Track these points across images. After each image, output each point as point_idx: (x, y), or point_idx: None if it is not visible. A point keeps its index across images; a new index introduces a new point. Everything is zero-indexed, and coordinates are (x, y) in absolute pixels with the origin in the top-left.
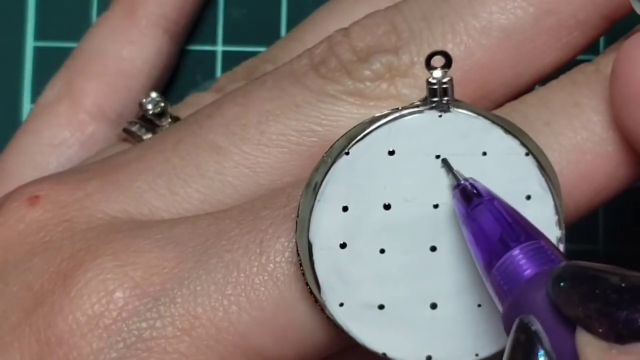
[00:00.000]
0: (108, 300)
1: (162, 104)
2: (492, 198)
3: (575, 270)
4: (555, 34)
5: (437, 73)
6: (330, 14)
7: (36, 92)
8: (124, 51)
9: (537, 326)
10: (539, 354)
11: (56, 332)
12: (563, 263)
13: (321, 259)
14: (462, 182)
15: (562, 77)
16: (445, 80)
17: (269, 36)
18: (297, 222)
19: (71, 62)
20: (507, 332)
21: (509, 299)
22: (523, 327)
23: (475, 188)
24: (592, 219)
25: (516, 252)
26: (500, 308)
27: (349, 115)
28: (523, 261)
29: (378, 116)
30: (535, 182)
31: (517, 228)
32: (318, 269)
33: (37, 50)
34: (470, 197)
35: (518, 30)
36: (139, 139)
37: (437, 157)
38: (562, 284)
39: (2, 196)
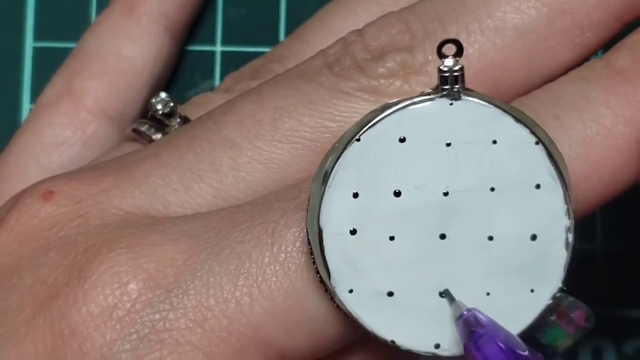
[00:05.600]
0: (122, 292)
1: (172, 104)
2: (495, 329)
3: None
4: (569, 35)
5: (449, 61)
6: (335, 13)
7: (35, 92)
8: (124, 49)
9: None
10: None
11: (70, 324)
12: None
13: (331, 245)
14: (465, 312)
15: (572, 73)
16: (456, 68)
17: (268, 36)
18: (307, 209)
19: (71, 61)
20: None
21: None
22: None
23: (477, 319)
24: (589, 218)
25: None
26: None
27: (362, 111)
28: None
29: (389, 103)
30: (544, 171)
31: (521, 358)
32: (328, 255)
33: (37, 51)
34: (472, 327)
35: (532, 30)
36: (148, 139)
37: (448, 144)
38: None
39: (17, 193)
